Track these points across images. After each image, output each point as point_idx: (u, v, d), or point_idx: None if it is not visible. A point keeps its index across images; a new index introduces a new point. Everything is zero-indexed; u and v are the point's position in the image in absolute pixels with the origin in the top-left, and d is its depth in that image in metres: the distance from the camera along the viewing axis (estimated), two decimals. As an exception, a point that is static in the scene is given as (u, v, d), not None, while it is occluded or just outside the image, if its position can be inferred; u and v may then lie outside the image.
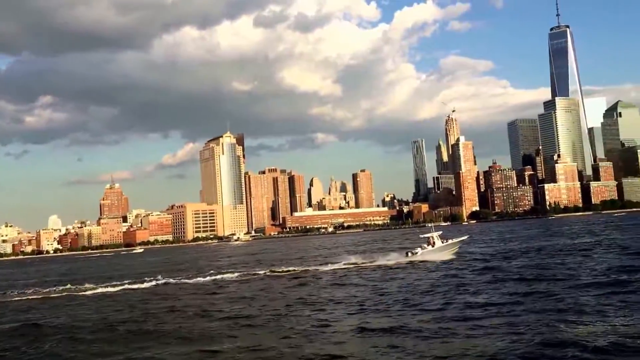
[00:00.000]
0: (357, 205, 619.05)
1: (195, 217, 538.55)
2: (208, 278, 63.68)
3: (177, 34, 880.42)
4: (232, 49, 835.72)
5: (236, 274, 66.39)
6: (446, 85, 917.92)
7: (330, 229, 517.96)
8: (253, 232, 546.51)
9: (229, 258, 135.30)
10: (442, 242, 68.87)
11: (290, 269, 68.07)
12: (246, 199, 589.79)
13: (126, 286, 60.00)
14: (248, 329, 30.67)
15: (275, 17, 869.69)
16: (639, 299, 31.38)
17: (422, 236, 71.73)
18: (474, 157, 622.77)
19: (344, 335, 27.41)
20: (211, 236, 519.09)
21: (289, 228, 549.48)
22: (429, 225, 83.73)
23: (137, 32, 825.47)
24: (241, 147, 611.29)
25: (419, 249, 68.16)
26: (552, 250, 73.64)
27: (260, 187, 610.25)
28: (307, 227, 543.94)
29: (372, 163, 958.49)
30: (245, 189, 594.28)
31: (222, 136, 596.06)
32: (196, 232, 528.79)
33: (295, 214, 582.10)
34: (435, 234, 68.84)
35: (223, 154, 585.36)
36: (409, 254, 67.79)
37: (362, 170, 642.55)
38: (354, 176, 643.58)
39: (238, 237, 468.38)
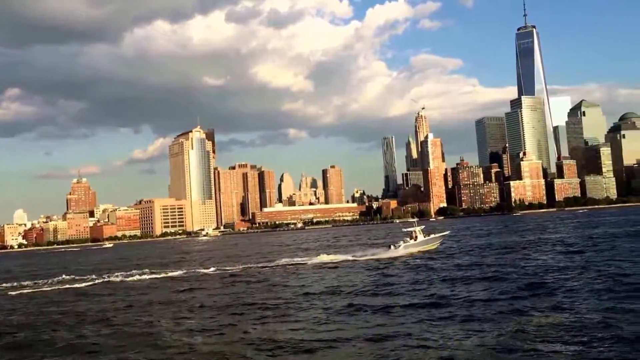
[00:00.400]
0: (326, 201, 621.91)
1: (164, 213, 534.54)
2: (145, 277, 63.60)
3: (149, 28, 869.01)
4: (205, 44, 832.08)
5: (180, 272, 67.06)
6: (417, 82, 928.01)
7: (300, 225, 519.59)
8: (222, 227, 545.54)
9: (187, 254, 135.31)
10: (425, 237, 70.91)
11: (240, 267, 69.14)
12: (215, 195, 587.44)
13: (67, 285, 59.61)
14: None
15: (248, 12, 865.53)
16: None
17: (404, 230, 73.33)
18: (443, 154, 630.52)
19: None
20: (180, 231, 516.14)
21: (259, 223, 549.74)
22: (412, 220, 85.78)
23: (108, 25, 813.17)
24: (211, 142, 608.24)
25: (402, 242, 69.25)
26: (498, 247, 76.79)
27: (229, 183, 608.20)
28: (277, 222, 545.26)
29: (343, 159, 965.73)
30: (215, 184, 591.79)
31: (191, 131, 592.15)
32: (164, 227, 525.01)
33: (265, 209, 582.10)
34: (417, 228, 70.78)
35: (192, 148, 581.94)
36: (392, 247, 69.08)
37: (332, 166, 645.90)
38: (324, 172, 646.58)
39: (207, 233, 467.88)
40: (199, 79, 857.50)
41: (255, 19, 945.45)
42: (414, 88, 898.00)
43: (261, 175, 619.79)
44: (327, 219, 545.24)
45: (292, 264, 66.77)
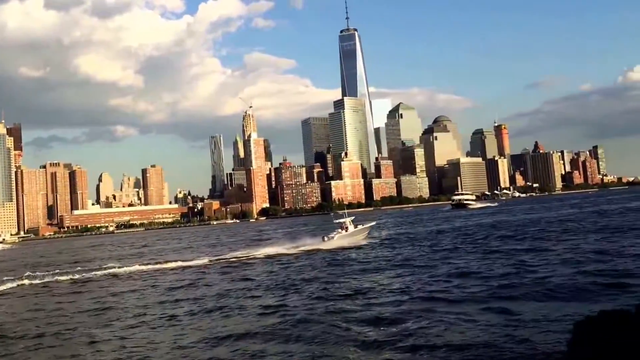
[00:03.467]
0: (146, 202, 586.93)
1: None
2: None
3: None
4: (21, 32, 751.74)
5: None
6: (251, 81, 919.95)
7: (112, 228, 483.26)
8: (23, 232, 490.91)
9: None
10: (354, 228, 71.82)
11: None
12: (17, 197, 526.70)
13: None
14: None
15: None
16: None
17: (335, 221, 73.59)
18: (269, 153, 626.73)
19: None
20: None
21: (68, 228, 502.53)
22: (341, 212, 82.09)
23: None
24: (12, 138, 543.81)
25: (335, 233, 69.66)
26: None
27: (35, 184, 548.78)
28: (89, 226, 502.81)
29: (174, 158, 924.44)
30: (17, 185, 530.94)
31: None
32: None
33: (76, 212, 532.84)
34: (348, 220, 71.72)
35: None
36: (325, 238, 69.21)
37: (153, 166, 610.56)
38: (144, 172, 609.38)
39: (3, 239, 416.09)
40: (15, 69, 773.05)
41: (78, 7, 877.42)
42: (248, 87, 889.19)
43: (72, 175, 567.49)
44: (145, 221, 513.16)
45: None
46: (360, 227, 73.69)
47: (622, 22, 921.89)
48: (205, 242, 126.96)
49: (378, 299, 29.05)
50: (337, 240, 67.75)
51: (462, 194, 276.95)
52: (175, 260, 64.10)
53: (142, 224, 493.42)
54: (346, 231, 69.79)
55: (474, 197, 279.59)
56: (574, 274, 31.01)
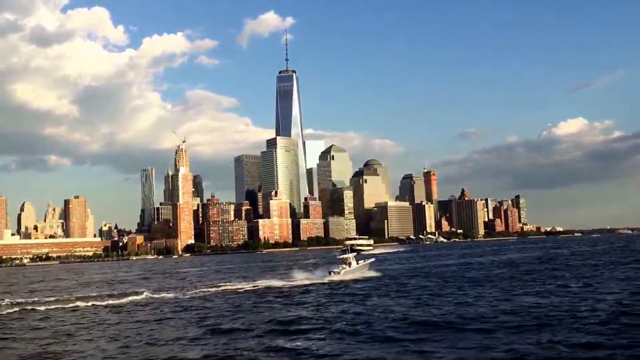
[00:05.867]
0: (67, 235, 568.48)
1: None
2: None
3: None
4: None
5: None
6: (191, 117, 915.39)
7: (26, 261, 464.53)
8: None
9: None
10: (357, 264, 77.07)
11: None
12: None
13: None
14: None
15: (9, 25, 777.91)
16: None
17: (339, 257, 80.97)
18: (200, 189, 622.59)
19: None
20: None
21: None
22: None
23: None
24: None
25: (340, 268, 73.98)
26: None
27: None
28: (4, 257, 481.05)
29: (106, 190, 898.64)
30: None
31: None
32: None
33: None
34: (351, 255, 77.98)
35: None
36: (332, 272, 72.90)
37: (76, 197, 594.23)
38: (66, 203, 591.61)
39: None
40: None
41: (16, 34, 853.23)
42: (188, 122, 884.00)
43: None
44: (65, 253, 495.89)
45: None
46: (361, 263, 79.61)
47: (548, 76, 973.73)
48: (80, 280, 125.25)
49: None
50: (344, 275, 72.71)
51: (357, 239, 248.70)
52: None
53: (58, 257, 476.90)
54: (349, 266, 74.94)
55: (371, 242, 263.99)
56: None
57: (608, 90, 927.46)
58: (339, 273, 72.40)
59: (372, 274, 77.17)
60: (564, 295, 44.70)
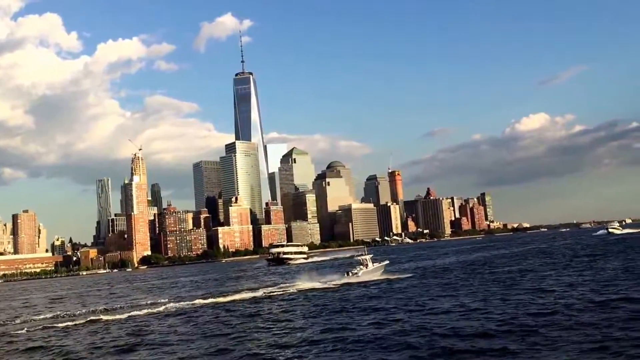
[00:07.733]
0: (16, 251, 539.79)
1: None
2: None
3: None
4: None
5: None
6: (152, 124, 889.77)
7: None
8: None
9: None
10: (373, 265, 78.27)
11: None
12: None
13: None
14: None
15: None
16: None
17: (356, 258, 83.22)
18: (159, 198, 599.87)
19: None
20: None
21: None
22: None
23: None
24: None
25: (358, 269, 75.87)
26: None
27: None
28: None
29: (62, 202, 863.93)
30: None
31: None
32: None
33: None
34: (368, 257, 79.15)
35: None
36: (349, 273, 75.54)
37: (25, 211, 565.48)
38: (14, 217, 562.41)
39: None
40: None
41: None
42: (148, 129, 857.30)
43: None
44: (13, 271, 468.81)
45: None
46: (377, 264, 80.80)
47: (515, 73, 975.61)
48: None
49: None
50: (363, 275, 74.49)
51: (285, 245, 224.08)
52: None
53: (4, 275, 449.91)
54: (366, 267, 76.75)
55: (304, 249, 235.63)
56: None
57: (570, 84, 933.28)
58: (357, 274, 74.39)
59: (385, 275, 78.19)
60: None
